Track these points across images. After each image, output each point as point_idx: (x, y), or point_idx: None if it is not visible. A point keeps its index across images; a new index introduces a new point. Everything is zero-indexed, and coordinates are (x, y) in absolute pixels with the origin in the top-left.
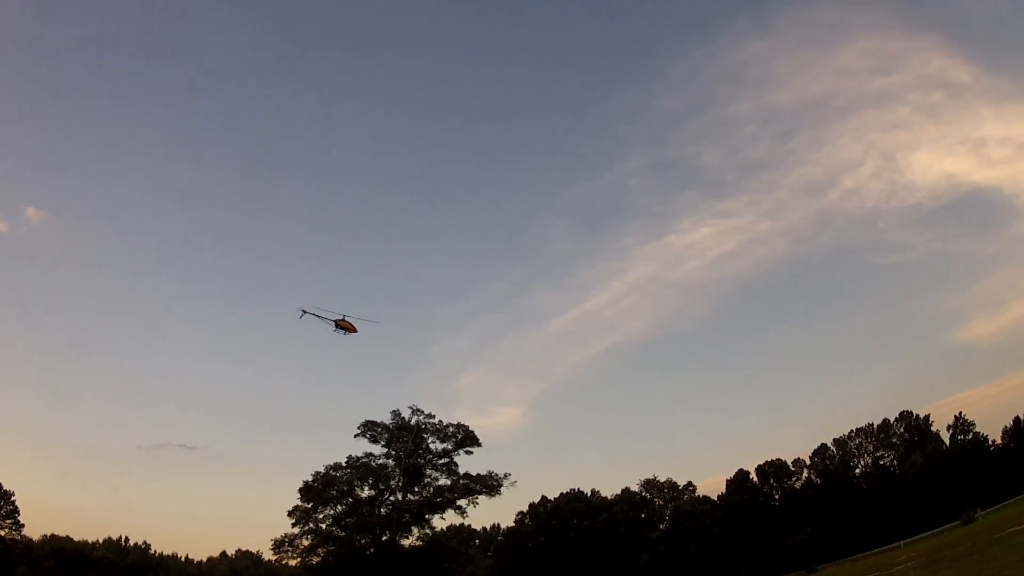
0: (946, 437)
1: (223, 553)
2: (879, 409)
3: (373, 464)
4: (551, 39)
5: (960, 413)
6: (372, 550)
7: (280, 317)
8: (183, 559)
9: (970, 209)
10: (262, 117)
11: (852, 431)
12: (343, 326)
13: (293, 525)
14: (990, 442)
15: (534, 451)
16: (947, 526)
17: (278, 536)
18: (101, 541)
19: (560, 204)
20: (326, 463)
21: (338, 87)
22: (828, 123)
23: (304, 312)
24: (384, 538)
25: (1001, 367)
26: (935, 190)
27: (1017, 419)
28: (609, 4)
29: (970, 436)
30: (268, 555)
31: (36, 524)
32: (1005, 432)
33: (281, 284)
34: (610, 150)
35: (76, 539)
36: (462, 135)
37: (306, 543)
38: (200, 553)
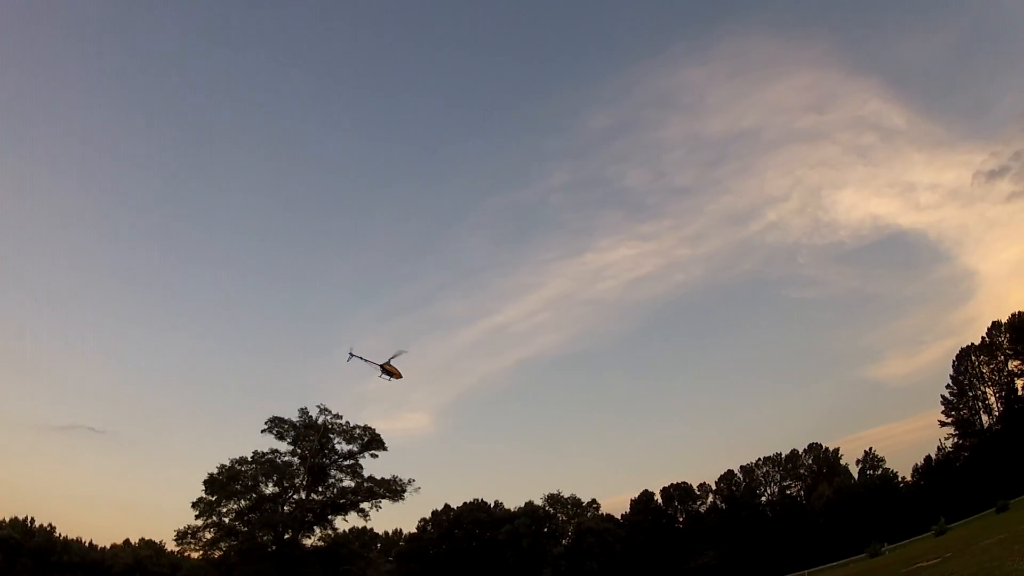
0: (855, 471)
1: (126, 541)
2: (788, 439)
3: (279, 461)
4: (483, 48)
5: (870, 448)
6: (274, 548)
7: (195, 304)
8: (87, 544)
9: (894, 251)
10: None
11: (760, 459)
12: (389, 371)
13: (196, 517)
14: (899, 478)
15: (439, 459)
16: (853, 558)
17: (182, 527)
18: (7, 520)
19: (480, 214)
20: (232, 456)
21: (255, 85)
22: (756, 155)
23: (352, 355)
24: (286, 536)
25: (913, 406)
26: (859, 230)
27: (928, 458)
28: (546, 18)
29: (879, 471)
30: (171, 546)
31: None
32: (916, 470)
33: (198, 274)
34: (535, 164)
35: None
36: (384, 137)
37: (209, 536)
38: (104, 539)
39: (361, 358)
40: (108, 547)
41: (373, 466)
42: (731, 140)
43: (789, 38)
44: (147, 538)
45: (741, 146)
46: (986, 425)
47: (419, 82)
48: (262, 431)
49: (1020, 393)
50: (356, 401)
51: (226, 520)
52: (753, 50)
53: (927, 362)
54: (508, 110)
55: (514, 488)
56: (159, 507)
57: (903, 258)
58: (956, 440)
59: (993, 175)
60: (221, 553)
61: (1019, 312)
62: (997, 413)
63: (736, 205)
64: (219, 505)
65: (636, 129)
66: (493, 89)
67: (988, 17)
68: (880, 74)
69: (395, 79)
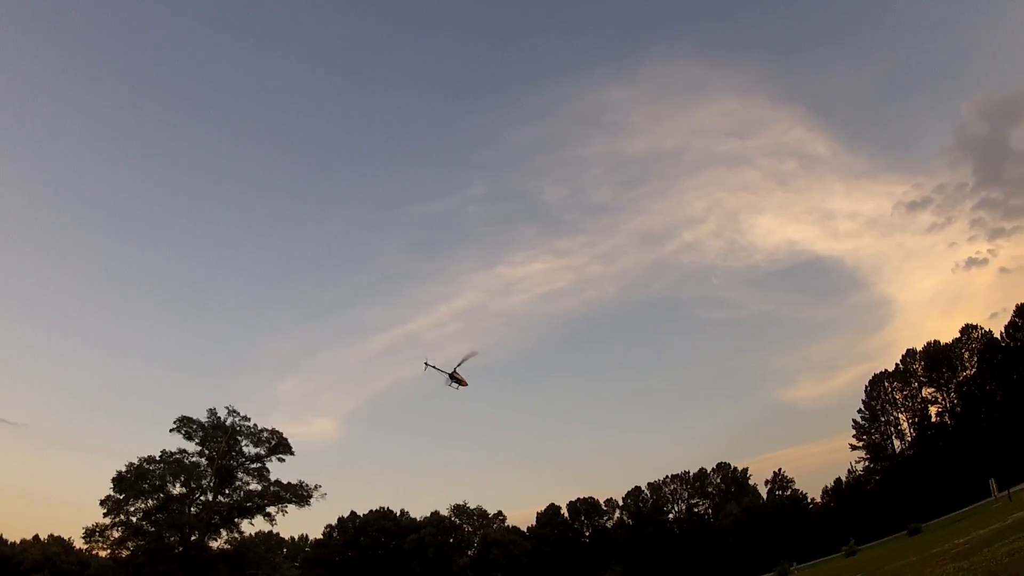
0: (764, 491)
1: (36, 537)
2: (697, 458)
3: (186, 461)
4: (410, 56)
5: (779, 469)
6: (181, 549)
7: (110, 299)
8: None
9: (810, 276)
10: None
11: (667, 477)
12: (458, 379)
13: (105, 515)
14: (809, 500)
15: (346, 464)
16: None
17: (90, 525)
18: None
19: (397, 221)
20: (140, 455)
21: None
22: (676, 177)
23: (427, 366)
24: (193, 538)
25: (824, 429)
26: (775, 254)
27: (839, 480)
28: (474, 32)
29: (788, 492)
30: (80, 543)
31: None
32: (825, 492)
33: (112, 271)
34: (454, 174)
35: None
36: (302, 141)
37: (117, 535)
38: (14, 534)
39: (435, 367)
40: (18, 542)
41: (280, 470)
42: (652, 160)
43: (715, 62)
44: (57, 534)
45: (661, 167)
46: (898, 450)
47: (340, 89)
48: (171, 430)
49: (934, 420)
50: (265, 404)
51: (134, 519)
52: (679, 73)
53: (839, 386)
54: (428, 119)
55: (421, 497)
56: (70, 502)
57: (819, 284)
58: (867, 464)
59: (915, 206)
60: (129, 552)
61: (935, 341)
62: (910, 438)
63: (653, 225)
64: (127, 504)
65: (557, 145)
66: (415, 97)
67: (915, 52)
68: (805, 103)
69: (314, 84)
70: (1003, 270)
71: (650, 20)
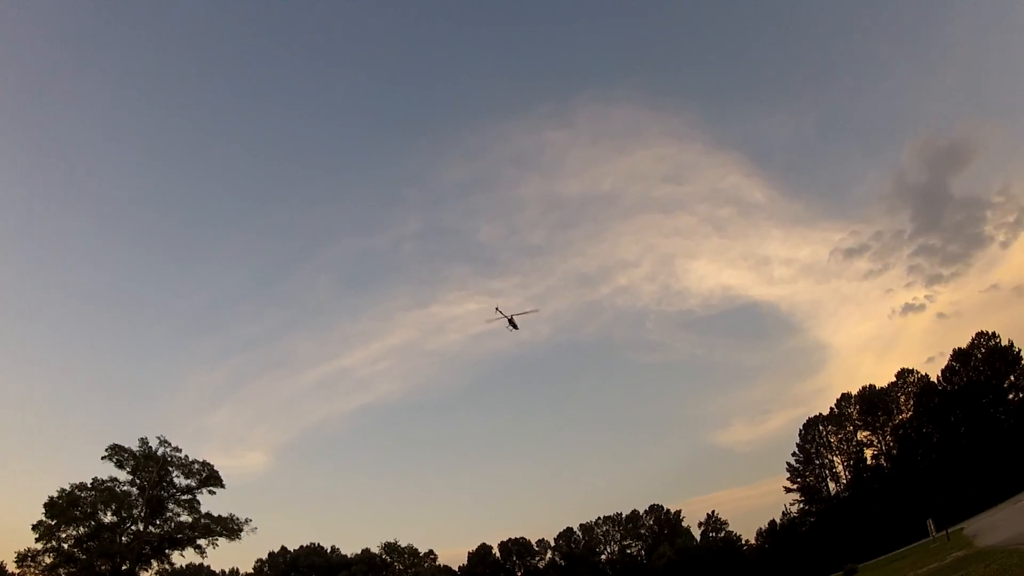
0: (697, 533)
1: None
2: (630, 500)
3: (118, 490)
4: (348, 89)
5: (713, 511)
6: None
7: (46, 322)
8: None
9: (744, 321)
10: None
11: (600, 518)
12: (514, 324)
13: (37, 540)
14: (743, 541)
15: (278, 499)
16: None
17: (22, 549)
18: None
19: (330, 254)
20: (72, 481)
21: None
22: (611, 220)
23: (497, 309)
24: (124, 567)
25: (758, 472)
26: (709, 299)
27: (773, 522)
28: (412, 71)
29: (722, 534)
30: (13, 567)
31: None
32: (760, 534)
33: (45, 296)
34: (389, 210)
35: None
36: (235, 164)
37: (48, 561)
38: None
39: (501, 312)
40: None
41: (211, 502)
42: (587, 203)
43: (653, 108)
44: None
45: (597, 210)
46: (833, 492)
47: (276, 119)
48: (102, 458)
49: (869, 462)
50: (196, 435)
51: (65, 546)
52: (617, 117)
53: (773, 430)
54: (365, 153)
55: (352, 534)
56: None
57: (753, 328)
58: (802, 506)
59: (851, 253)
60: None
61: (870, 385)
62: (845, 481)
63: (587, 267)
64: (59, 530)
65: (493, 185)
66: (353, 131)
67: (854, 99)
68: (742, 149)
69: (250, 114)
70: (940, 315)
71: (589, 64)
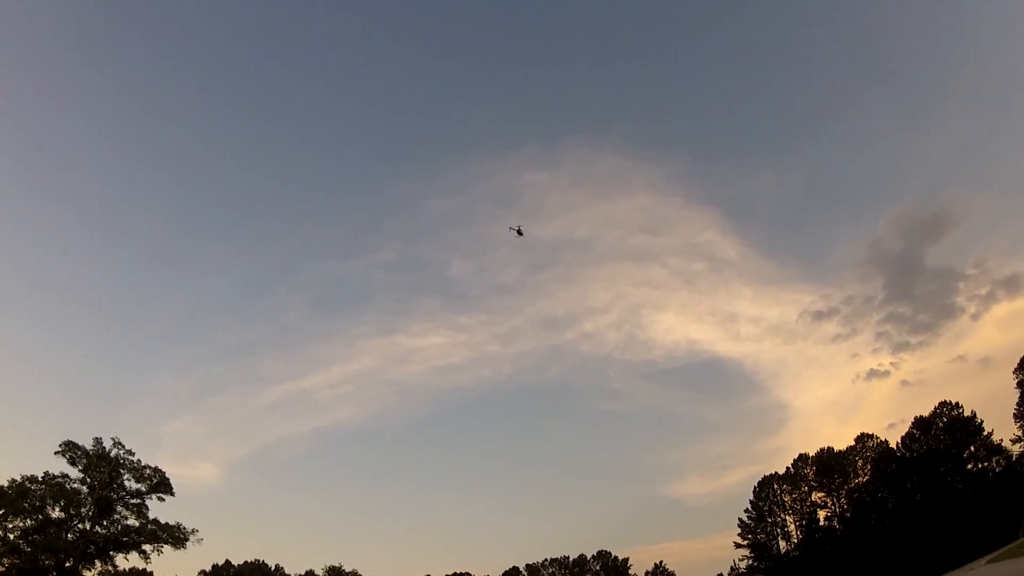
0: None
1: None
2: (578, 543)
3: (68, 487)
4: (338, 114)
5: (660, 562)
6: (55, 574)
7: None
8: None
9: (707, 375)
10: None
11: (546, 560)
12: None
13: None
14: None
15: (226, 512)
16: None
17: None
18: None
19: (305, 276)
20: (23, 472)
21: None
22: (583, 266)
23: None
24: (68, 564)
25: (709, 526)
26: (674, 351)
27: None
28: (403, 96)
29: None
30: None
31: None
32: None
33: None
34: (366, 236)
35: None
36: (224, 176)
37: None
38: None
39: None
40: None
41: (159, 509)
42: (561, 247)
43: (638, 157)
44: None
45: (570, 254)
46: (783, 551)
47: (266, 136)
48: (55, 452)
49: (822, 523)
50: (151, 442)
51: (11, 536)
52: (602, 163)
53: (728, 485)
54: (348, 178)
55: (297, 554)
56: None
57: (716, 384)
58: (751, 563)
59: (820, 316)
60: (3, 570)
61: (828, 447)
62: (796, 540)
63: (554, 311)
64: (5, 520)
65: (470, 221)
66: (338, 155)
67: (837, 164)
68: (722, 206)
69: (241, 129)
70: (904, 383)
71: (579, 109)
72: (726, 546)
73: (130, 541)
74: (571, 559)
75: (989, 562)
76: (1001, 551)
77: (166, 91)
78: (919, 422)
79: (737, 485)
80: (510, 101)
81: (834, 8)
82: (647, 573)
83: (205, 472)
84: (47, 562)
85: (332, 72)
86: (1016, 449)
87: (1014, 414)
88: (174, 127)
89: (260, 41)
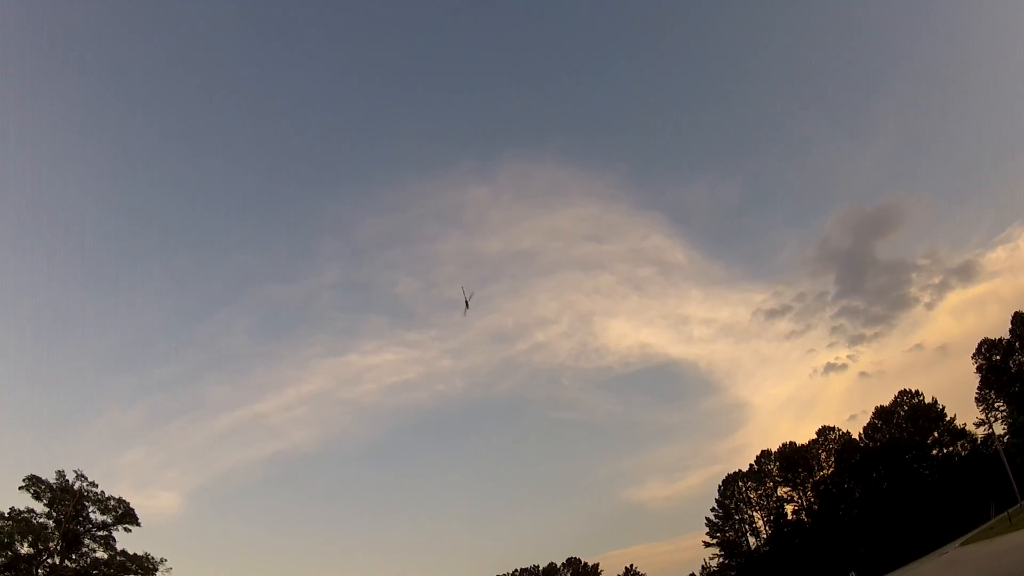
0: None
1: None
2: (547, 553)
3: (35, 522)
4: (272, 135)
5: (631, 565)
6: None
7: None
8: None
9: (662, 379)
10: None
11: (517, 570)
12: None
13: None
14: None
15: (189, 541)
16: None
17: None
18: None
19: (249, 300)
20: None
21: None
22: (529, 277)
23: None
24: None
25: (675, 528)
26: (627, 357)
27: (692, 574)
28: (338, 117)
29: None
30: None
31: None
32: None
33: None
34: (309, 258)
35: None
36: (158, 202)
37: None
38: None
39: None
40: None
41: (126, 540)
42: (507, 259)
43: (578, 167)
44: None
45: (516, 266)
46: (753, 546)
47: (201, 159)
48: (20, 488)
49: (790, 517)
50: (109, 473)
51: None
52: (540, 175)
53: (689, 487)
54: (286, 199)
55: None
56: None
57: (671, 387)
58: (722, 560)
59: (773, 314)
60: None
61: (790, 442)
62: (765, 535)
63: (503, 323)
64: None
65: (413, 239)
66: (275, 177)
67: (780, 165)
68: (666, 211)
69: (175, 152)
70: (863, 374)
71: (516, 122)
72: (694, 546)
73: (100, 574)
74: (541, 568)
75: (963, 544)
76: (975, 532)
77: (94, 123)
78: (880, 412)
79: (699, 486)
80: (442, 117)
81: (769, 23)
82: None
83: (165, 502)
84: None
85: (259, 97)
86: (981, 432)
87: (975, 398)
88: (106, 155)
89: (195, 69)
